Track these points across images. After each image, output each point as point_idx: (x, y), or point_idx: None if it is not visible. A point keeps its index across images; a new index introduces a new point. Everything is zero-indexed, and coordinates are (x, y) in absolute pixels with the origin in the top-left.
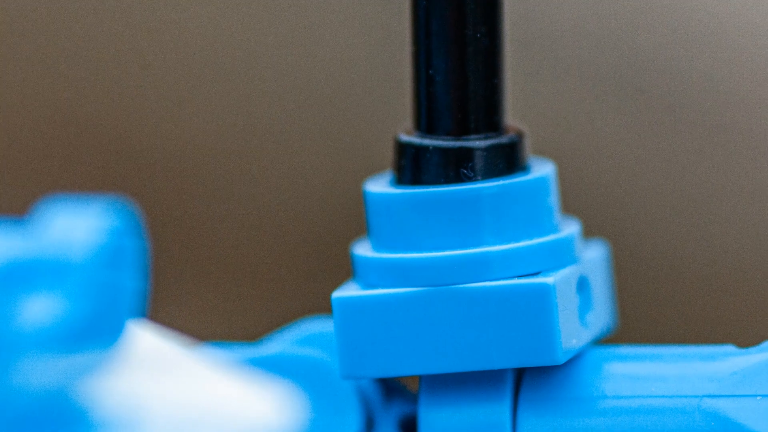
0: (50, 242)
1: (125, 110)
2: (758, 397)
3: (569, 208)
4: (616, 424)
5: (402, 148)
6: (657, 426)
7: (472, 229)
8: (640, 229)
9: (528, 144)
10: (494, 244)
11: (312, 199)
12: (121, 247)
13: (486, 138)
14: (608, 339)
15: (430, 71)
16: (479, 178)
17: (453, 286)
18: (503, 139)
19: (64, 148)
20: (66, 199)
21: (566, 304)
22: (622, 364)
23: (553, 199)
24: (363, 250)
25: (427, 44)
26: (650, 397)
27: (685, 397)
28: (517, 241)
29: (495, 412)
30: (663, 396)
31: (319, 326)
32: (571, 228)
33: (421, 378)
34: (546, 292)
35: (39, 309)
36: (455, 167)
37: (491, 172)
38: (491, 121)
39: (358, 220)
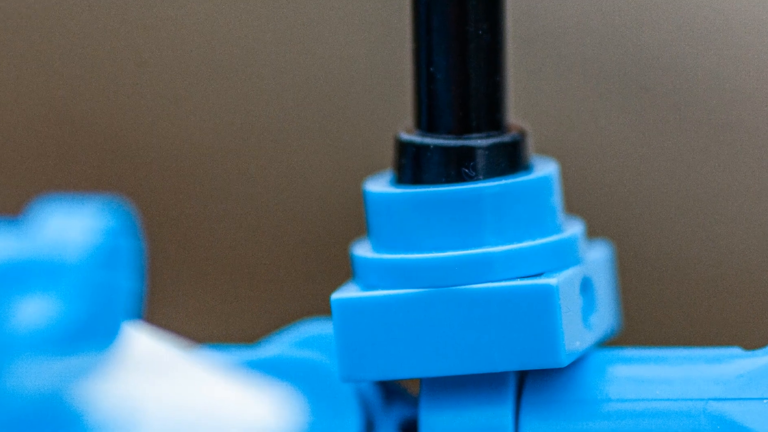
0: (45, 242)
1: (121, 109)
2: (764, 401)
3: (572, 207)
4: (620, 427)
5: (402, 147)
6: (662, 429)
7: (473, 229)
8: (644, 229)
9: (530, 143)
10: (496, 244)
11: (311, 199)
12: (116, 248)
13: (488, 137)
14: (612, 341)
15: (431, 68)
16: (481, 177)
17: (454, 288)
18: (505, 138)
19: (58, 147)
20: (61, 198)
21: (569, 306)
22: (626, 366)
23: (556, 198)
24: (363, 250)
25: (427, 41)
26: (655, 400)
27: (691, 400)
28: (519, 241)
29: (497, 415)
30: (668, 399)
31: (318, 328)
32: (574, 228)
33: (421, 381)
34: (549, 293)
35: (33, 310)
36: (456, 166)
37: (493, 172)
38: (493, 120)
39: (358, 220)
